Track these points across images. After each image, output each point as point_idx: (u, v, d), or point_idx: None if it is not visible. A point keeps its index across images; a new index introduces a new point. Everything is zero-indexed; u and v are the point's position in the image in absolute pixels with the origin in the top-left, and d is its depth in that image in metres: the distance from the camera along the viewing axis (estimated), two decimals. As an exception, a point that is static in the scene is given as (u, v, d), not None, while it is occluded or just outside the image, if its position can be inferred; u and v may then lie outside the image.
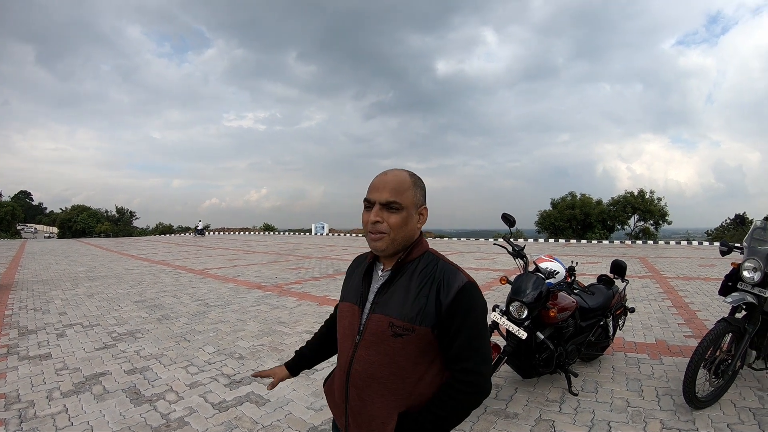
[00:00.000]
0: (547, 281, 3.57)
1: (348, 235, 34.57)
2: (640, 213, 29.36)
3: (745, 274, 3.61)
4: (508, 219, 3.74)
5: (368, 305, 1.36)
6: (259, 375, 1.72)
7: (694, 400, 3.36)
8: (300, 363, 1.71)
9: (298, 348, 1.82)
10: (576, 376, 3.82)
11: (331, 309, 6.41)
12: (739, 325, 3.51)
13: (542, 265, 3.84)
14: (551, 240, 26.33)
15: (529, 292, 3.34)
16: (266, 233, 39.53)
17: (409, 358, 1.28)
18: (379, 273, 1.40)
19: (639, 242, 24.58)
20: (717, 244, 22.64)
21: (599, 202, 31.07)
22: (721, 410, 3.45)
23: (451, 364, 1.30)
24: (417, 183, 1.36)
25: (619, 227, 30.71)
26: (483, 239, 27.95)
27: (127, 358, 4.73)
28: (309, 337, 4.90)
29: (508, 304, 3.48)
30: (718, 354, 3.50)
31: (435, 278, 1.29)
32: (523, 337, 3.32)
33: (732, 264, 3.90)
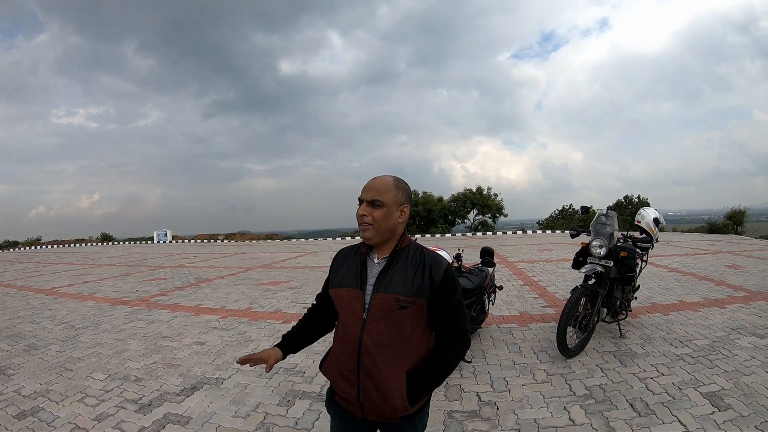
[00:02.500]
0: None
1: (194, 241, 36.22)
2: (479, 208, 34.75)
3: (594, 250, 5.40)
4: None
5: (369, 287, 1.85)
6: (249, 360, 1.98)
7: (567, 351, 4.79)
8: (288, 348, 2.11)
9: (284, 333, 2.19)
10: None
11: (208, 317, 7.50)
12: (592, 289, 5.14)
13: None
14: None
15: None
16: (105, 244, 39.35)
17: (410, 326, 1.84)
18: (375, 261, 1.91)
19: (479, 234, 30.47)
20: (549, 231, 28.01)
21: (440, 199, 36.62)
22: (588, 356, 5.01)
23: (447, 325, 1.89)
24: (399, 186, 1.90)
25: (459, 221, 36.91)
26: (331, 239, 31.31)
27: (8, 400, 4.53)
28: (200, 348, 5.75)
29: None
30: (579, 313, 4.99)
31: (426, 262, 1.87)
32: None
33: (581, 243, 5.74)
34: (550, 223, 35.52)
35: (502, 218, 36.15)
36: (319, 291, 2.22)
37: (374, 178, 1.91)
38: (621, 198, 34.78)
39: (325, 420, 3.79)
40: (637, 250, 5.93)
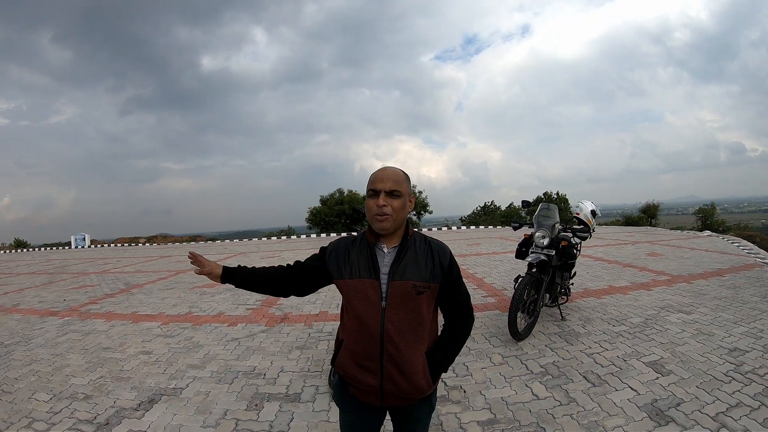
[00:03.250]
0: None
1: (114, 245, 33.73)
2: (357, 206, 34.41)
3: (538, 240, 5.89)
4: (358, 212, 4.63)
5: (384, 276, 1.97)
6: (194, 258, 2.22)
7: (517, 335, 5.27)
8: (230, 274, 2.23)
9: (239, 265, 2.28)
10: None
11: (148, 324, 7.14)
12: (536, 277, 5.63)
13: None
14: (323, 234, 30.97)
15: None
16: (20, 251, 35.57)
17: (426, 309, 1.99)
18: (385, 251, 2.02)
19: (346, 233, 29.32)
20: (473, 227, 28.67)
21: (365, 198, 35.37)
22: (536, 338, 5.52)
23: (456, 307, 2.12)
24: (407, 177, 2.05)
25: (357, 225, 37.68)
26: (257, 239, 30.78)
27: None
28: (147, 358, 5.53)
29: None
30: (526, 299, 5.45)
31: (432, 249, 2.04)
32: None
33: (525, 234, 6.22)
34: (473, 219, 37.06)
35: (427, 215, 37.35)
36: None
37: (383, 168, 2.03)
38: (540, 194, 36.85)
39: (301, 420, 3.83)
40: (575, 239, 6.52)
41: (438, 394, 3.87)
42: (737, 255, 11.84)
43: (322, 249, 2.18)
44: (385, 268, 1.99)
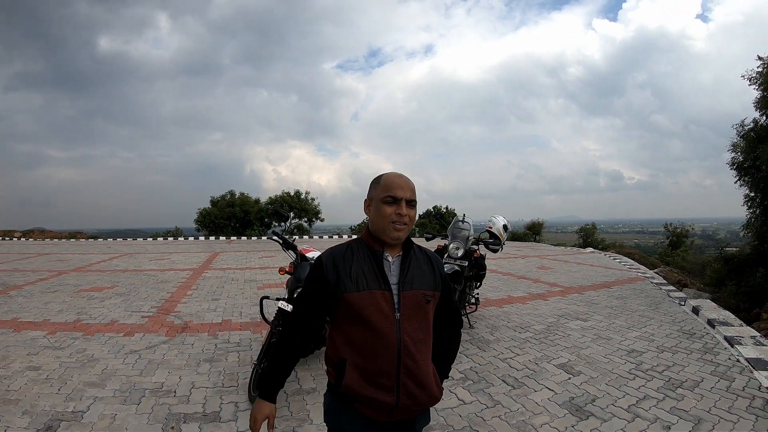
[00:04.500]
0: None
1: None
2: (296, 211, 33.97)
3: (453, 251, 6.40)
4: (281, 215, 5.23)
5: (393, 287, 1.97)
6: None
7: None
8: (276, 389, 2.08)
9: (261, 374, 2.18)
10: None
11: (33, 333, 6.39)
12: (451, 286, 5.78)
13: (309, 255, 5.20)
14: (212, 237, 30.22)
15: None
16: None
17: (431, 317, 2.06)
18: (390, 260, 2.03)
19: (296, 237, 30.13)
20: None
21: (257, 201, 37.10)
22: None
23: (453, 315, 2.22)
24: None
25: (276, 224, 36.45)
26: (142, 239, 29.01)
27: None
28: (36, 375, 4.91)
29: (292, 291, 4.74)
30: None
31: (431, 258, 2.13)
32: None
33: (438, 245, 6.63)
34: (364, 228, 37.94)
35: (318, 222, 37.69)
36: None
37: (399, 175, 2.04)
38: (430, 208, 38.81)
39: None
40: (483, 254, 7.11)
41: None
42: (620, 270, 13.40)
43: (317, 268, 2.04)
44: (393, 278, 1.99)
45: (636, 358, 5.41)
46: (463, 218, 6.75)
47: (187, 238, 29.63)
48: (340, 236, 32.30)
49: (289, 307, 4.45)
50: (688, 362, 5.29)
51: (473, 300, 6.92)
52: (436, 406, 4.12)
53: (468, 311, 6.80)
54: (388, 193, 1.96)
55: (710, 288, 13.34)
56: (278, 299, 4.69)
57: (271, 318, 4.69)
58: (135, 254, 18.06)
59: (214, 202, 35.36)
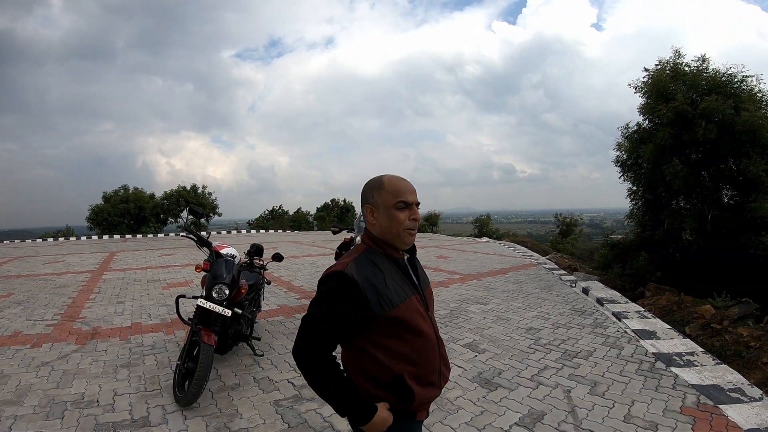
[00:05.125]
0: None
1: None
2: (193, 205, 31.81)
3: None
4: (195, 212, 5.25)
5: (417, 289, 2.03)
6: None
7: None
8: (366, 403, 1.92)
9: (350, 397, 1.91)
10: (259, 339, 5.70)
11: None
12: None
13: (224, 251, 5.34)
14: (106, 236, 28.54)
15: (226, 275, 4.74)
16: None
17: None
18: (406, 263, 2.08)
19: (212, 233, 28.40)
20: (263, 231, 29.32)
21: (152, 196, 35.79)
22: None
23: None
24: None
25: (172, 220, 36.03)
26: (31, 240, 26.50)
27: None
28: None
29: (210, 288, 4.70)
30: None
31: (414, 252, 2.17)
32: (229, 315, 4.61)
33: (345, 239, 7.08)
34: (262, 224, 37.58)
35: (216, 217, 36.83)
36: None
37: (404, 179, 2.05)
38: (328, 201, 39.11)
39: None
40: None
41: (290, 394, 4.49)
42: (515, 257, 14.39)
43: (350, 288, 1.87)
44: (415, 279, 2.04)
45: (534, 334, 5.98)
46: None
47: (80, 238, 27.85)
48: (239, 231, 31.72)
49: (207, 304, 4.50)
50: (581, 336, 5.93)
51: None
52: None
53: None
54: (400, 199, 1.95)
55: (598, 271, 14.77)
56: (195, 297, 4.73)
57: (188, 317, 4.72)
58: (26, 257, 16.67)
59: (106, 198, 33.64)
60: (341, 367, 1.96)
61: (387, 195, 1.96)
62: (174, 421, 3.90)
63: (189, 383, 4.12)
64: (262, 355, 5.45)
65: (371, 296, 1.84)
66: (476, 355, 5.24)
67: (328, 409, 4.08)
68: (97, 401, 4.33)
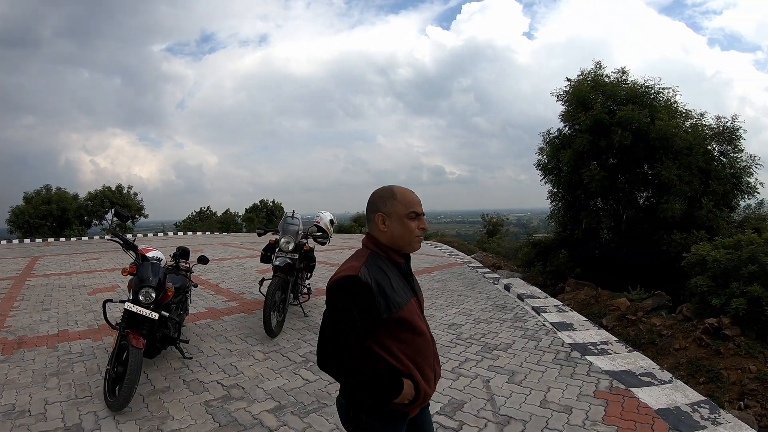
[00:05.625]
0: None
1: None
2: (119, 206, 30.40)
3: (284, 246, 6.74)
4: (121, 215, 5.23)
5: (414, 292, 2.19)
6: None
7: (272, 332, 6.14)
8: (399, 377, 2.04)
9: (396, 380, 2.01)
10: (187, 342, 5.59)
11: None
12: (283, 278, 6.49)
13: (150, 254, 5.25)
14: (27, 240, 27.09)
15: (152, 279, 4.71)
16: None
17: None
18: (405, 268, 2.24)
19: (138, 236, 27.11)
20: (190, 233, 28.74)
21: (76, 197, 34.10)
22: (287, 334, 6.33)
23: None
24: None
25: (96, 223, 34.59)
26: None
27: None
28: None
29: (136, 292, 4.66)
30: (276, 300, 6.29)
31: (409, 261, 2.31)
32: (156, 318, 4.57)
33: (270, 240, 6.99)
34: (189, 225, 36.72)
35: (142, 219, 35.56)
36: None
37: (411, 191, 2.19)
38: (257, 202, 38.55)
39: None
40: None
41: (220, 395, 4.53)
42: (441, 256, 14.70)
43: (364, 293, 1.97)
44: (412, 284, 2.22)
45: (456, 330, 6.12)
46: (293, 214, 7.21)
47: (0, 242, 26.34)
48: (165, 233, 30.82)
49: (134, 308, 4.46)
50: (501, 330, 6.11)
51: (305, 290, 7.35)
52: (283, 387, 4.62)
53: (302, 301, 7.20)
54: (412, 209, 2.10)
55: (521, 269, 15.32)
56: (122, 301, 4.66)
57: (115, 322, 4.56)
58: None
59: (27, 199, 31.78)
60: (372, 360, 2.03)
61: (400, 205, 2.09)
62: (107, 426, 3.88)
63: (119, 388, 4.04)
64: (191, 358, 5.43)
65: (381, 299, 1.97)
66: (455, 338, 5.52)
67: (257, 407, 4.18)
68: (29, 411, 4.23)
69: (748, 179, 13.07)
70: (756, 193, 13.28)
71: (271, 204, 37.11)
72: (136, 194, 34.72)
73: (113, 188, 34.26)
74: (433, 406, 3.92)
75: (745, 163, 13.12)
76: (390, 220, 2.09)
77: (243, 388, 4.63)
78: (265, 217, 33.75)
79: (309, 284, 7.55)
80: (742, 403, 5.47)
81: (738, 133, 13.20)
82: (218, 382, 4.76)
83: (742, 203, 13.75)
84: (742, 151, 13.29)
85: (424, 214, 2.17)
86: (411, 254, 2.26)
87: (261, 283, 6.80)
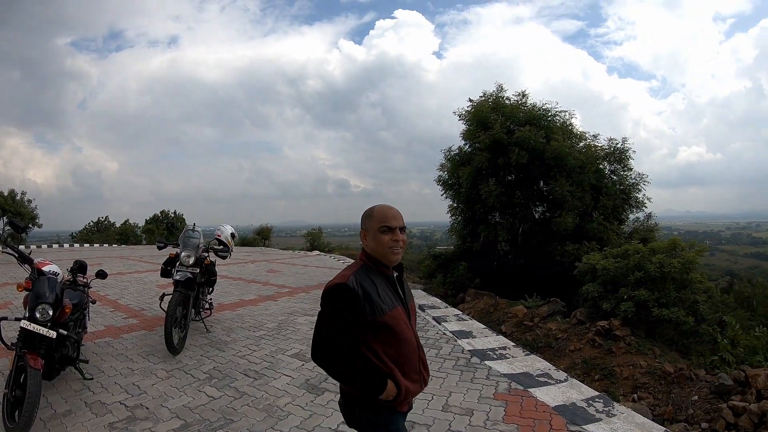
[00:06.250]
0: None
1: None
2: (11, 215, 27.36)
3: (184, 259, 6.59)
4: (16, 226, 5.16)
5: (401, 301, 2.41)
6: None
7: (174, 349, 5.92)
8: (384, 378, 2.28)
9: (378, 377, 2.25)
10: (87, 362, 5.32)
11: None
12: (185, 293, 6.34)
13: (46, 269, 5.02)
14: None
15: (49, 294, 4.53)
16: None
17: None
18: (394, 278, 2.45)
19: (32, 248, 22.75)
20: (87, 245, 26.50)
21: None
22: (190, 350, 6.09)
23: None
24: None
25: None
26: None
27: None
28: None
29: (32, 309, 4.44)
30: (178, 316, 6.11)
31: (402, 270, 2.55)
32: (54, 336, 4.40)
33: (170, 254, 6.81)
34: (86, 236, 34.57)
35: (36, 229, 32.94)
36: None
37: (389, 206, 2.42)
38: (158, 212, 36.78)
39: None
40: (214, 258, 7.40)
41: (123, 416, 4.38)
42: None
43: (351, 299, 2.20)
44: (401, 293, 2.41)
45: (363, 341, 6.14)
46: (193, 227, 7.05)
47: None
48: (61, 245, 28.73)
49: (31, 326, 4.27)
50: (403, 340, 6.20)
51: (207, 305, 7.17)
52: (188, 405, 4.52)
53: (203, 316, 7.00)
54: (383, 224, 2.32)
55: (423, 280, 15.79)
56: (18, 319, 4.48)
57: (11, 342, 4.35)
58: None
59: None
60: (358, 359, 2.26)
61: (374, 221, 2.34)
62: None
63: (19, 412, 3.80)
64: (92, 379, 5.20)
65: (366, 304, 2.21)
66: (303, 364, 5.38)
67: (162, 427, 4.09)
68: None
69: (637, 195, 14.76)
70: (644, 207, 15.00)
71: (172, 215, 35.60)
72: (30, 201, 32.15)
73: (5, 194, 31.65)
74: (338, 417, 3.96)
75: (633, 181, 14.83)
76: (369, 235, 2.34)
77: (147, 408, 4.51)
78: (165, 229, 32.41)
79: (210, 299, 7.37)
80: (635, 395, 6.04)
81: (628, 154, 14.91)
82: (121, 403, 4.61)
83: (631, 216, 15.42)
84: (632, 169, 15.03)
85: (403, 228, 2.36)
86: (404, 266, 2.54)
87: (162, 298, 6.50)
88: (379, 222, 2.33)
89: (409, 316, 2.39)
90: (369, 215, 2.38)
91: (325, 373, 4.76)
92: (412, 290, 8.06)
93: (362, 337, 2.23)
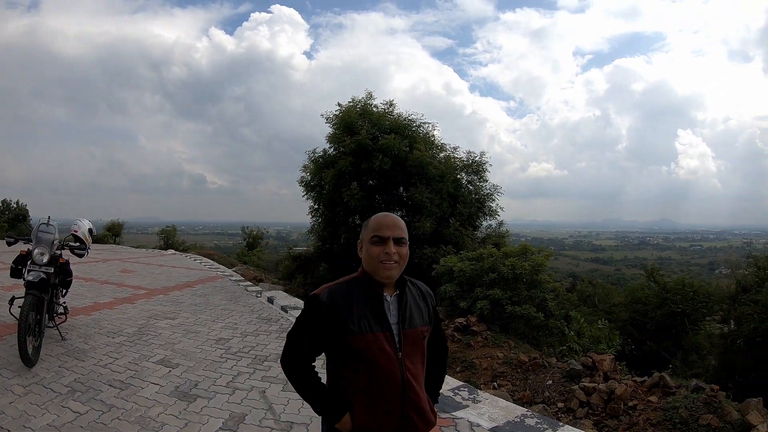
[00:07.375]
0: None
1: None
2: None
3: (37, 257, 6.06)
4: None
5: (394, 326, 2.10)
6: None
7: (29, 361, 5.44)
8: (334, 403, 2.14)
9: (323, 400, 2.16)
10: None
11: None
12: (38, 296, 5.82)
13: None
14: None
15: None
16: None
17: (425, 350, 2.22)
18: (388, 299, 2.14)
19: None
20: None
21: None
22: (46, 362, 5.67)
23: (441, 343, 2.46)
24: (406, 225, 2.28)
25: None
26: None
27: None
28: None
29: None
30: (31, 322, 5.61)
31: (423, 292, 2.29)
32: None
33: (21, 252, 6.36)
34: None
35: None
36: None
37: (385, 215, 2.17)
38: None
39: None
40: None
41: None
42: (201, 270, 14.72)
43: (314, 309, 2.10)
44: (392, 318, 2.10)
45: (224, 344, 6.46)
46: (48, 221, 6.53)
47: None
48: None
49: None
50: (269, 341, 6.63)
51: (62, 309, 6.76)
52: (53, 424, 4.26)
53: (58, 322, 6.62)
54: (374, 234, 2.08)
55: (283, 281, 16.14)
56: None
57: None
58: None
59: None
60: (317, 375, 2.17)
61: (368, 230, 2.12)
62: None
63: None
64: None
65: (334, 320, 2.04)
66: (171, 370, 5.46)
67: None
68: None
69: (491, 204, 16.73)
70: (497, 215, 16.94)
71: (15, 206, 31.99)
72: None
73: None
74: (214, 423, 4.25)
75: (488, 191, 16.74)
76: (363, 246, 2.14)
77: (8, 431, 4.25)
78: (8, 221, 29.18)
79: (65, 302, 6.96)
80: (495, 383, 7.05)
81: (484, 167, 16.69)
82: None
83: (485, 223, 17.34)
84: (487, 181, 16.93)
85: (399, 239, 2.09)
86: (410, 285, 2.23)
87: (11, 302, 5.98)
88: (372, 231, 2.10)
89: (399, 346, 2.08)
90: (366, 224, 2.18)
91: (194, 379, 5.06)
92: (273, 291, 8.42)
93: (334, 356, 2.12)
